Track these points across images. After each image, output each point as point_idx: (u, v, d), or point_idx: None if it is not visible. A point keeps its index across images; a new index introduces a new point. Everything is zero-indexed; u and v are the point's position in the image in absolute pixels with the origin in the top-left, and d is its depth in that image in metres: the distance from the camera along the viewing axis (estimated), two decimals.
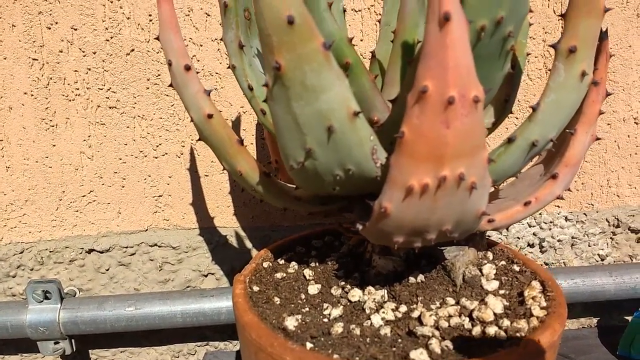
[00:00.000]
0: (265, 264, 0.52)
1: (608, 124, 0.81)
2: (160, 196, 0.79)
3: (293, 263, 0.52)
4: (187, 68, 0.45)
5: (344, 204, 0.49)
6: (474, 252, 0.50)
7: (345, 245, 0.55)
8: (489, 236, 0.59)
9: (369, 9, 0.74)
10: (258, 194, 0.48)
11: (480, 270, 0.48)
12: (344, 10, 0.57)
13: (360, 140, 0.36)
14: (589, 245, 0.84)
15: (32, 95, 0.73)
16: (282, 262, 0.53)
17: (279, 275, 0.49)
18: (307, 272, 0.50)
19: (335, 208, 0.50)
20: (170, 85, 0.47)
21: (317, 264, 0.52)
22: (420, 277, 0.47)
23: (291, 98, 0.34)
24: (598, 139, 0.46)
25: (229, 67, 0.50)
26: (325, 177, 0.38)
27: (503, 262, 0.51)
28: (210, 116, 0.46)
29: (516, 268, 0.49)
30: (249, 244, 0.81)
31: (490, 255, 0.53)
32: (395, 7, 0.54)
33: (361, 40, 0.75)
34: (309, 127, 0.35)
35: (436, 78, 0.30)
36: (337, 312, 0.43)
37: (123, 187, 0.78)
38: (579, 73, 0.38)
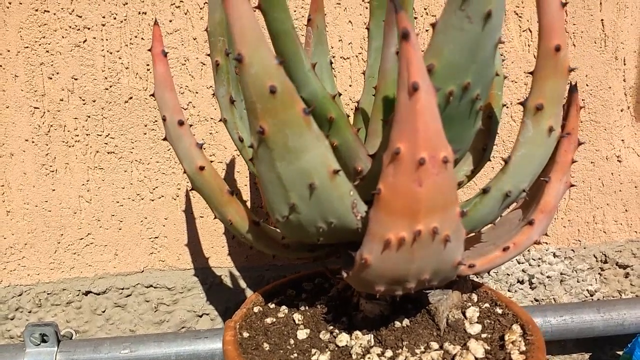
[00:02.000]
0: (255, 309, 0.53)
1: (592, 162, 0.83)
2: (157, 238, 0.80)
3: (283, 307, 0.54)
4: (181, 123, 0.48)
5: (331, 250, 0.51)
6: (458, 295, 0.52)
7: (335, 288, 0.56)
8: (479, 274, 0.61)
9: (356, 56, 0.77)
10: (248, 241, 0.50)
11: (464, 313, 0.50)
12: (331, 63, 0.60)
13: (340, 196, 0.38)
14: (578, 281, 0.85)
15: (33, 142, 0.76)
16: (272, 306, 0.55)
17: (269, 320, 0.51)
18: (297, 317, 0.51)
19: (323, 254, 0.51)
20: (165, 139, 0.49)
21: (307, 308, 0.53)
22: (406, 321, 0.48)
23: (275, 159, 0.36)
24: (572, 185, 0.49)
25: (220, 120, 0.53)
26: (309, 229, 0.40)
27: (487, 305, 0.52)
28: (202, 168, 0.48)
29: (499, 311, 0.51)
30: (243, 284, 0.82)
31: (474, 297, 0.54)
32: (378, 60, 0.56)
33: (350, 86, 0.78)
34: (292, 184, 0.37)
35: (408, 141, 0.32)
36: (324, 358, 0.44)
37: (120, 229, 0.79)
38: (547, 129, 0.41)
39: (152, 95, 0.48)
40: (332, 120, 0.46)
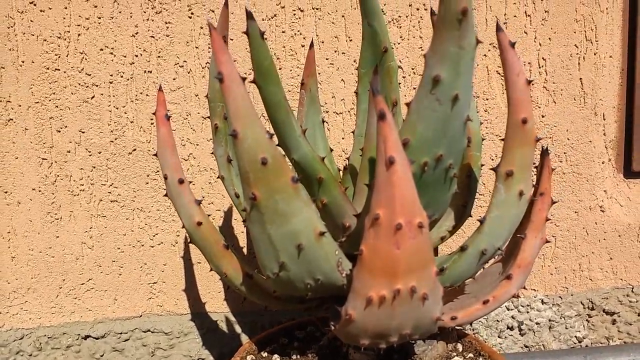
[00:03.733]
0: (249, 358, 0.56)
1: (575, 212, 0.86)
2: (155, 283, 0.83)
3: (276, 356, 0.56)
4: (181, 181, 0.52)
5: (320, 302, 0.54)
6: (443, 345, 0.55)
7: (325, 337, 0.59)
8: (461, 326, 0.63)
9: (349, 111, 0.81)
10: (242, 293, 0.53)
11: None
12: (323, 121, 0.65)
13: (326, 255, 0.41)
14: (566, 328, 0.87)
15: (39, 191, 0.79)
16: (265, 354, 0.57)
17: None
18: None
19: (313, 305, 0.54)
20: (165, 195, 0.53)
21: (299, 357, 0.56)
22: None
23: (266, 222, 0.39)
24: (547, 242, 0.52)
25: (218, 177, 0.57)
26: (298, 285, 0.43)
27: (471, 355, 0.55)
28: (199, 224, 0.52)
29: None
30: (238, 329, 0.84)
31: (459, 347, 0.56)
32: (365, 120, 0.61)
33: (342, 139, 0.82)
34: (282, 245, 0.40)
35: (386, 208, 0.36)
36: None
37: (120, 274, 0.82)
38: (517, 193, 0.44)
39: (155, 155, 0.52)
40: (322, 181, 0.49)
